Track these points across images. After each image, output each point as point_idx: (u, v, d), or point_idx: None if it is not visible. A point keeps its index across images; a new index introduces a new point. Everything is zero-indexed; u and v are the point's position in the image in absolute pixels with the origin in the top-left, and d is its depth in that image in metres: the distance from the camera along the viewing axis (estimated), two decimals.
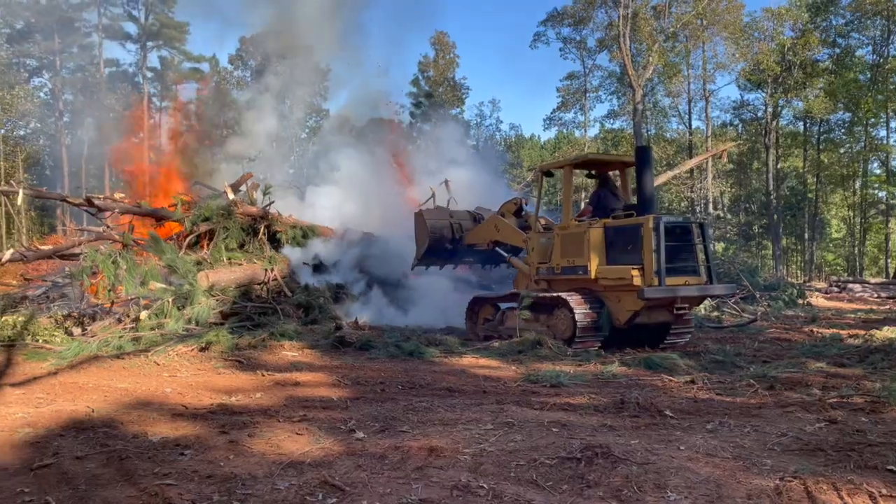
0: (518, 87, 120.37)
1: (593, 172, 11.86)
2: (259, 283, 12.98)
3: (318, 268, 14.39)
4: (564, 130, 62.95)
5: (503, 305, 11.92)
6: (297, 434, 5.25)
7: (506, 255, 12.57)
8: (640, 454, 4.49)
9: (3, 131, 41.48)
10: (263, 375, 7.97)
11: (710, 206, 47.75)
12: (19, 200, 15.20)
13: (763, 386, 7.16)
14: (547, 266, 11.13)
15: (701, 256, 9.97)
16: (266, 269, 13.10)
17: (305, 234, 14.73)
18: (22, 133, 46.71)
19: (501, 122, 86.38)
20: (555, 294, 10.58)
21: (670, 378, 7.88)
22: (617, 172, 12.16)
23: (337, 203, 18.94)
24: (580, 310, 10.01)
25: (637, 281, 9.47)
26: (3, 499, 3.89)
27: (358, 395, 6.98)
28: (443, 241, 13.59)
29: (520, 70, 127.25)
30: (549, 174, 12.14)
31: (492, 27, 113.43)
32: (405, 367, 8.70)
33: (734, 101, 53.87)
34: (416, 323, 13.03)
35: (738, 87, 48.75)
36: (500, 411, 6.00)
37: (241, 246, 13.99)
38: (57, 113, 49.07)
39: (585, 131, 56.84)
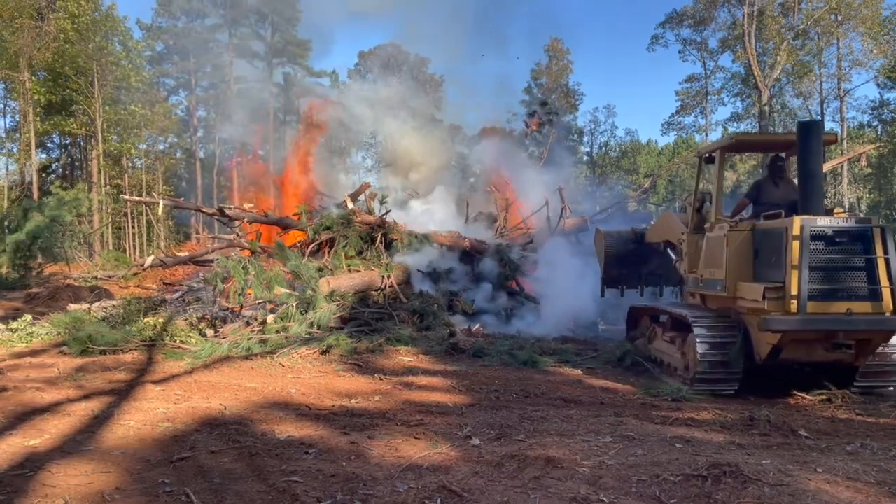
0: (635, 92, 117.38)
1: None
2: (376, 290, 13.30)
3: (433, 275, 14.57)
4: (684, 135, 60.83)
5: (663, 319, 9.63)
6: (415, 438, 5.33)
7: (674, 257, 10.24)
8: (772, 475, 4.25)
9: (145, 146, 44.97)
10: (381, 379, 8.16)
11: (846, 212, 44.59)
12: (160, 210, 16.34)
13: None
14: (695, 276, 8.90)
15: (882, 275, 6.93)
16: (383, 276, 13.41)
17: (421, 242, 14.97)
18: (161, 147, 50.42)
19: (617, 127, 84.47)
20: (679, 311, 8.53)
21: (804, 395, 7.41)
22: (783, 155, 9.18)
23: (447, 211, 19.27)
24: (705, 339, 7.64)
25: (769, 305, 7.02)
26: (147, 488, 4.19)
27: (473, 401, 7.00)
28: (626, 246, 11.49)
29: (637, 74, 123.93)
30: (710, 160, 9.37)
31: (607, 31, 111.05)
32: (519, 376, 8.65)
33: (873, 101, 50.01)
34: (528, 332, 12.91)
35: (878, 85, 45.24)
36: (618, 424, 5.85)
37: (360, 253, 14.41)
38: (192, 129, 52.61)
39: (706, 135, 54.64)
